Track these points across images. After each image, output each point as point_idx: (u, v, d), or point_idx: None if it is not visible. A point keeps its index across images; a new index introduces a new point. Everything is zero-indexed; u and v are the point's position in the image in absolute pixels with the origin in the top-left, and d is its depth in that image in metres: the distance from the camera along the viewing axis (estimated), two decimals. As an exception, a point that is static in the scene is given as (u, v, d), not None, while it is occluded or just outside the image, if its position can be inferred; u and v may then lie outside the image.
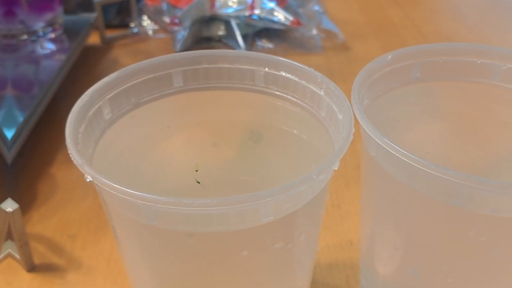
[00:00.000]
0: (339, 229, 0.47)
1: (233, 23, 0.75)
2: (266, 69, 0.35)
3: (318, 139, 0.34)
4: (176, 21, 0.72)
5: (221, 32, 0.76)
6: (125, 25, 0.79)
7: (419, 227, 0.30)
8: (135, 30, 0.78)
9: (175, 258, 0.28)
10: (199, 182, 0.35)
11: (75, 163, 0.25)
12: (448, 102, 0.38)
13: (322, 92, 0.33)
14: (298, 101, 0.34)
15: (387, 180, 0.30)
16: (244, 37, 0.75)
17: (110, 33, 0.77)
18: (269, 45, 0.75)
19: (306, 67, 0.33)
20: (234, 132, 0.37)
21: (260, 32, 0.78)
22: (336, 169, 0.29)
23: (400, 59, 0.36)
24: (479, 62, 0.36)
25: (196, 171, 0.36)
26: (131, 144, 0.34)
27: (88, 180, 0.25)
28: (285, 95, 0.35)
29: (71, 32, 0.68)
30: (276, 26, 0.75)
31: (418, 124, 0.38)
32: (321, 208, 0.30)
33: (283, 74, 0.34)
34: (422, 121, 0.38)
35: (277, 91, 0.35)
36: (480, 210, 0.26)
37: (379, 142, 0.28)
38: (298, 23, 0.75)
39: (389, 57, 0.35)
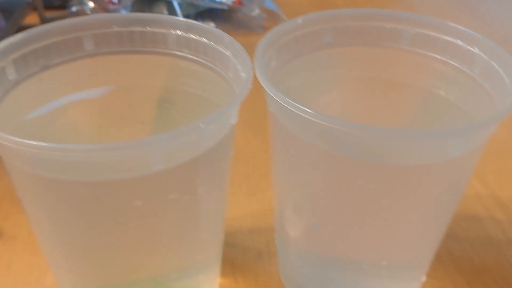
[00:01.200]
0: (264, 196, 0.47)
1: (175, 4, 0.75)
2: (178, 32, 0.35)
3: (228, 100, 0.34)
4: (115, 0, 0.72)
5: (163, 12, 0.76)
6: (67, 6, 0.78)
7: (313, 179, 0.31)
8: (74, 9, 0.77)
9: (71, 211, 0.28)
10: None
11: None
12: (361, 67, 0.39)
13: (230, 53, 0.33)
14: (208, 63, 0.35)
15: (285, 135, 0.31)
16: (187, 17, 0.75)
17: (50, 14, 0.76)
18: (211, 25, 0.76)
19: (215, 29, 0.34)
20: (147, 96, 0.37)
21: (203, 13, 0.78)
22: (233, 123, 0.29)
23: (311, 23, 0.36)
24: (389, 27, 0.37)
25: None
26: (39, 107, 0.34)
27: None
28: (196, 58, 0.35)
29: (7, 11, 0.67)
30: (218, 6, 0.76)
31: (331, 88, 0.39)
32: (221, 162, 0.31)
33: (194, 37, 0.35)
34: (335, 85, 0.39)
35: (189, 54, 0.35)
36: (366, 159, 0.27)
37: (272, 95, 0.28)
38: (240, 3, 0.75)
39: (300, 21, 0.36)
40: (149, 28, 0.35)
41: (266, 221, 0.45)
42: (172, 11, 0.75)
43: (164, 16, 0.35)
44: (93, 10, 0.76)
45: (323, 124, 0.25)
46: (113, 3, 0.71)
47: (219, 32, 0.34)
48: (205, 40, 0.34)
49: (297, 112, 0.26)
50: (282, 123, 0.30)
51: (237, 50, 0.32)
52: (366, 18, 0.37)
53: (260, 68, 0.30)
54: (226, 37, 0.33)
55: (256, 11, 0.77)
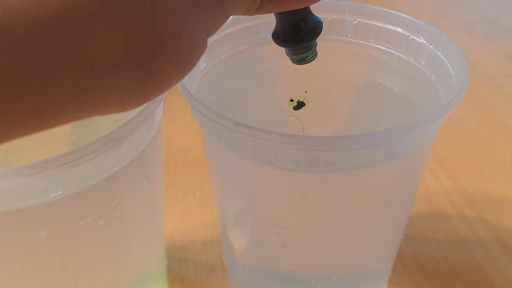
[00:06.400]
0: (218, 205, 0.44)
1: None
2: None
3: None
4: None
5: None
6: None
7: (244, 192, 0.28)
8: None
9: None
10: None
11: None
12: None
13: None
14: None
15: (211, 145, 0.28)
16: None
17: None
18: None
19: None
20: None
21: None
22: (151, 136, 0.27)
23: (244, 18, 0.34)
24: (329, 18, 0.34)
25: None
26: None
27: None
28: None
29: None
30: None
31: (269, 86, 0.36)
32: (142, 180, 0.28)
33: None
34: (279, 84, 0.36)
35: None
36: (296, 169, 0.24)
37: (190, 103, 0.25)
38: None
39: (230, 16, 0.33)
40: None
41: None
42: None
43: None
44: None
45: (243, 134, 0.23)
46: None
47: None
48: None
49: (224, 124, 0.23)
50: (206, 133, 0.27)
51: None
52: (306, 9, 0.34)
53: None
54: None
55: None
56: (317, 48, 0.35)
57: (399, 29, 0.32)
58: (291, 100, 0.34)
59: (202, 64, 0.31)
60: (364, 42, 0.33)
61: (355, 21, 0.33)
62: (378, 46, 0.33)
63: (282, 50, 0.36)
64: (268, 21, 0.35)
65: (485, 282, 0.37)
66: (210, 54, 0.32)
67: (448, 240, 0.41)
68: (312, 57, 0.26)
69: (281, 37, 0.26)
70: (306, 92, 0.35)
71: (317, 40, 0.35)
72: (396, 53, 0.32)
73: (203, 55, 0.31)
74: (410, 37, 0.31)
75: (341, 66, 0.35)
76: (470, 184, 0.45)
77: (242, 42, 0.34)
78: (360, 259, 0.30)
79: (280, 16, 0.26)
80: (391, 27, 0.32)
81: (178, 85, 0.27)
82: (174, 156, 0.50)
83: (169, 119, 0.54)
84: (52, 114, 0.15)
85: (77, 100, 0.15)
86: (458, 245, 0.40)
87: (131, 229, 0.28)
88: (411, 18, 0.31)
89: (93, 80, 0.15)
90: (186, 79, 0.28)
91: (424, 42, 0.30)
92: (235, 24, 0.33)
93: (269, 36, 0.35)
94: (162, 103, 0.27)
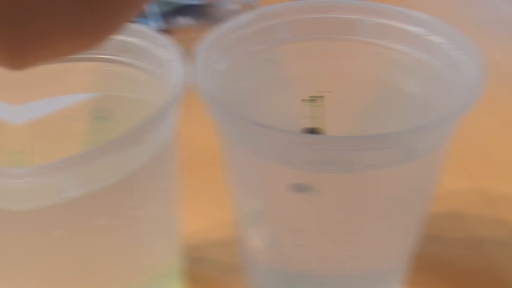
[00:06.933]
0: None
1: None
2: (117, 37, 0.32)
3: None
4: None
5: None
6: None
7: (260, 192, 0.28)
8: None
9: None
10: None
11: None
12: (322, 63, 0.36)
13: (167, 56, 0.30)
14: (149, 68, 0.32)
15: (227, 144, 0.28)
16: (164, 14, 0.72)
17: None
18: (187, 22, 0.73)
19: (151, 31, 0.31)
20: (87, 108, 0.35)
21: (181, 9, 0.75)
22: (169, 136, 0.27)
23: (264, 18, 0.34)
24: (347, 18, 0.34)
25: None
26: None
27: None
28: (136, 63, 0.32)
29: None
30: (194, 2, 0.73)
31: (292, 88, 0.36)
32: (160, 181, 0.28)
33: (131, 39, 0.32)
34: (297, 84, 0.36)
35: (129, 58, 0.33)
36: (309, 169, 0.24)
37: (207, 102, 0.25)
38: (215, -3, 0.73)
39: (253, 16, 0.33)
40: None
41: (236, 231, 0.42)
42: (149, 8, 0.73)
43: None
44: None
45: (269, 135, 0.23)
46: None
47: (155, 33, 0.31)
48: (142, 42, 0.31)
49: (243, 123, 0.23)
50: (224, 132, 0.27)
51: (173, 52, 0.29)
52: (324, 9, 0.34)
53: (202, 74, 0.27)
54: (161, 38, 0.30)
55: (234, 5, 0.74)
56: (330, 49, 0.35)
57: (415, 29, 0.32)
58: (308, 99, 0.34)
59: (219, 64, 0.31)
60: (380, 42, 0.33)
61: (371, 20, 0.33)
62: (395, 46, 0.33)
63: (297, 50, 0.36)
64: (283, 22, 0.35)
65: (501, 284, 0.37)
66: (225, 55, 0.32)
67: (463, 241, 0.40)
68: None
69: None
70: (317, 92, 0.35)
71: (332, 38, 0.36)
72: (413, 53, 0.32)
73: (223, 55, 0.32)
74: (427, 37, 0.31)
75: (358, 66, 0.34)
76: (487, 184, 0.45)
77: (258, 43, 0.34)
78: (376, 259, 0.30)
79: None
80: (408, 26, 0.32)
81: (195, 84, 0.27)
82: (191, 155, 0.50)
83: (186, 119, 0.53)
84: None
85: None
86: (474, 246, 0.40)
87: (148, 229, 0.29)
88: (428, 17, 0.31)
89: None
90: (203, 79, 0.28)
91: (441, 42, 0.30)
92: (251, 25, 0.33)
93: (289, 36, 0.35)
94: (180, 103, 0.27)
